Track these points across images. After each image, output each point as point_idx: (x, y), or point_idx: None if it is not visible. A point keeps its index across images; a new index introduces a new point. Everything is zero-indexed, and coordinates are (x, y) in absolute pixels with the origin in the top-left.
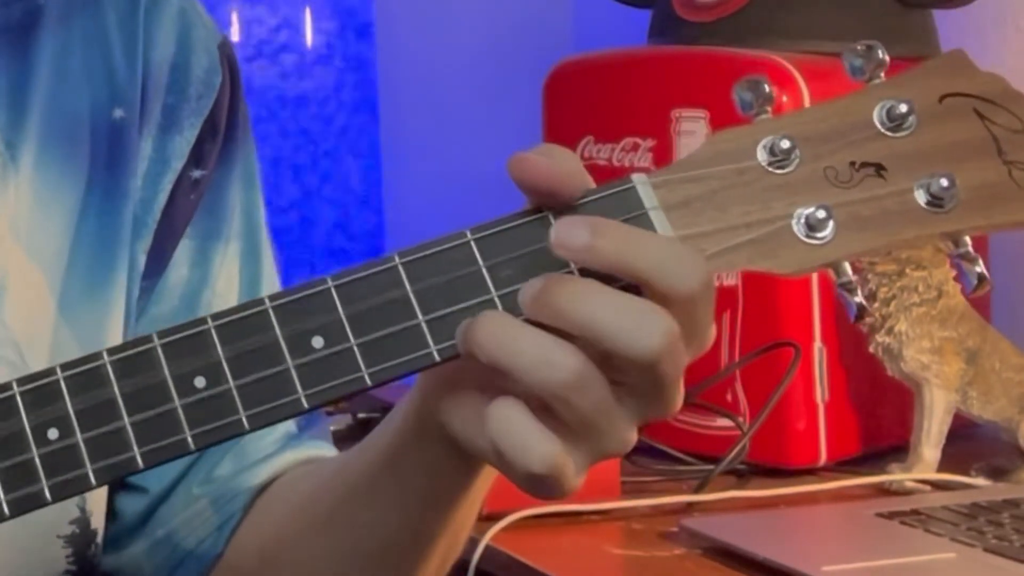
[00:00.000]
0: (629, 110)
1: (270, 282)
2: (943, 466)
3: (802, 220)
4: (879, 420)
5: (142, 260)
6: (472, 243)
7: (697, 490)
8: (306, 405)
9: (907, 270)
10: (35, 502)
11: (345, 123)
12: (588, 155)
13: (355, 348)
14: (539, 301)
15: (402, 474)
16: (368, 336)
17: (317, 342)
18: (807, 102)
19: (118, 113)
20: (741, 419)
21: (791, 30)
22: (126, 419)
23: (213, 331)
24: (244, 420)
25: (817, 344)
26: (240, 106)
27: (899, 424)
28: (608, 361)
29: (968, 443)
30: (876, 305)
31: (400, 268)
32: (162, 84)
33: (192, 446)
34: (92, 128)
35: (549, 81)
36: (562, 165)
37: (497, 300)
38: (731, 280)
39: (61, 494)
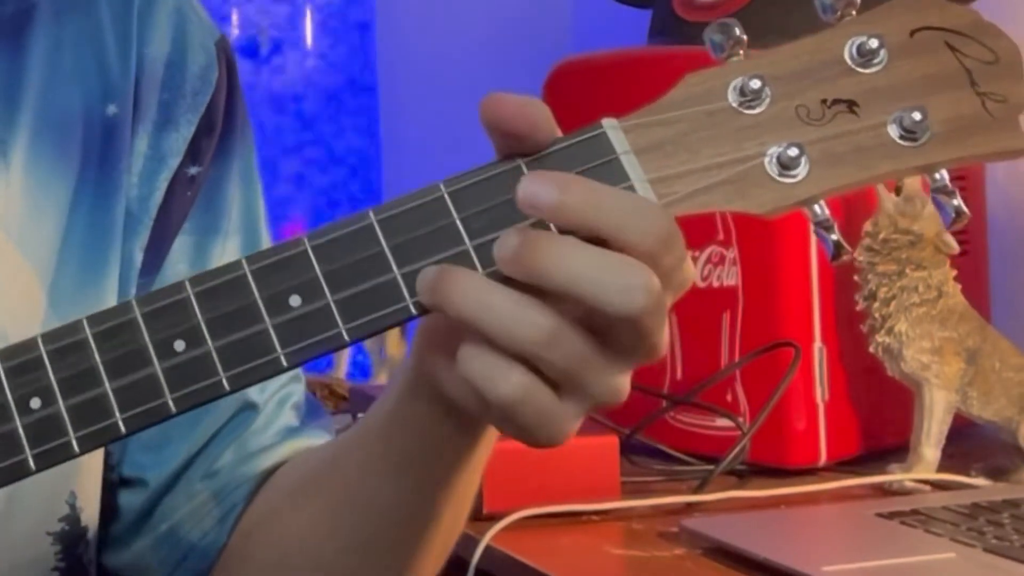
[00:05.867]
0: (629, 110)
1: None
2: (943, 466)
3: (774, 159)
4: (879, 420)
5: (139, 257)
6: (446, 195)
7: (697, 490)
8: (285, 364)
9: (907, 270)
10: (20, 472)
11: (344, 124)
12: None
13: (332, 305)
14: (518, 261)
15: (398, 439)
16: (345, 292)
17: (294, 301)
18: None
19: (111, 109)
20: (741, 419)
21: (791, 30)
22: (107, 385)
23: (192, 297)
24: (224, 381)
25: (817, 344)
26: (238, 102)
27: (899, 424)
28: (590, 316)
29: (968, 443)
30: (876, 305)
31: (375, 224)
32: (157, 81)
33: (173, 409)
34: (84, 124)
35: (549, 81)
36: (533, 108)
37: (472, 251)
38: (731, 280)
39: (46, 463)
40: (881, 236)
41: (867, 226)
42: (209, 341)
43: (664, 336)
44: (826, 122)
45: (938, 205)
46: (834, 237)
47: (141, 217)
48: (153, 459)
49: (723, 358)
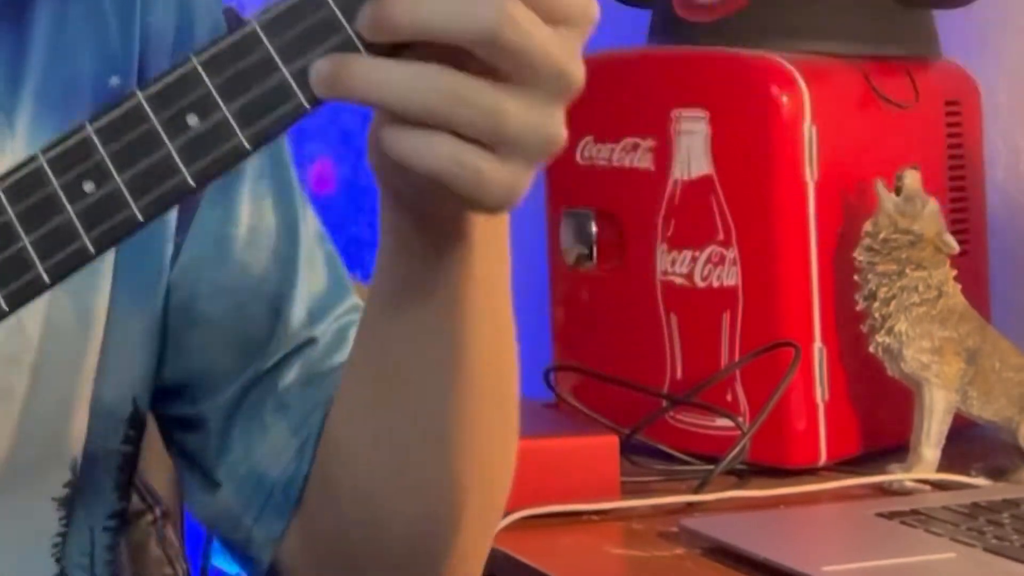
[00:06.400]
0: (629, 110)
1: (308, 218)
2: (943, 466)
3: None
4: (879, 420)
5: (171, 217)
6: None
7: (697, 490)
8: (192, 184)
9: (907, 270)
10: None
11: (344, 124)
12: (588, 155)
13: (228, 116)
14: (375, 25)
15: (390, 276)
16: (239, 101)
17: (192, 120)
18: (807, 102)
19: (114, 81)
20: (741, 419)
21: (791, 30)
22: (25, 239)
23: (93, 134)
24: (136, 212)
25: (817, 344)
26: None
27: (899, 424)
28: (471, 62)
29: (968, 443)
30: (876, 305)
31: (257, 29)
32: (166, 49)
33: (92, 250)
34: (89, 96)
35: None
36: None
37: (355, 37)
38: (731, 280)
39: None
40: (881, 236)
41: (867, 226)
42: (116, 175)
43: (563, 57)
44: None
45: None
46: None
47: None
48: (204, 396)
49: (723, 358)
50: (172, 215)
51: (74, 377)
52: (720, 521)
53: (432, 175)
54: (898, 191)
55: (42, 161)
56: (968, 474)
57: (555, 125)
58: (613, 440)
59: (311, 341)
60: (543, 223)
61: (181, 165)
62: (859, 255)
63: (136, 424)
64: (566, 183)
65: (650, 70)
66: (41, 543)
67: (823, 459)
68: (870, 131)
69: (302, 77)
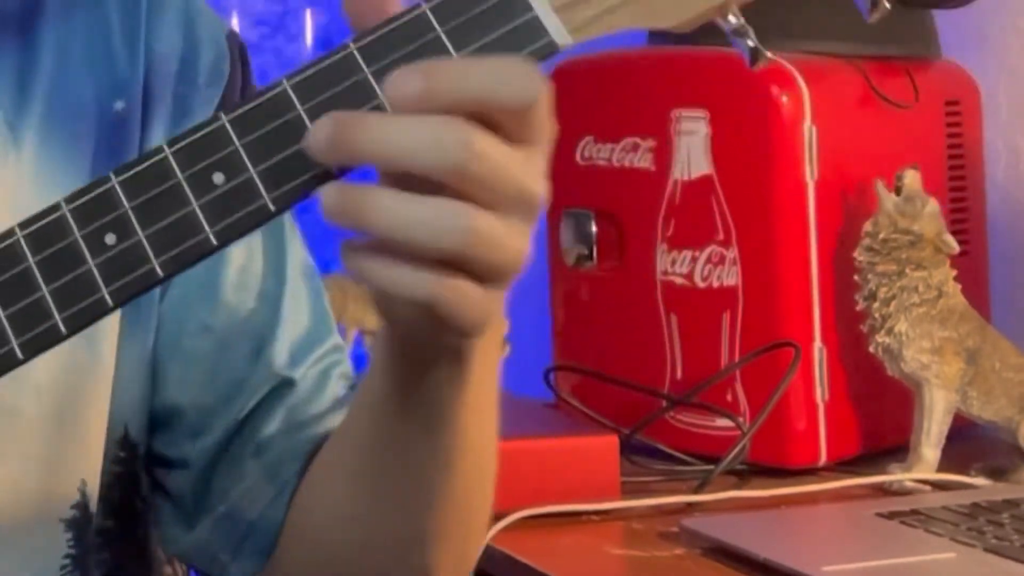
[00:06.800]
0: (629, 110)
1: (295, 251)
2: (943, 466)
3: None
4: (879, 420)
5: None
6: (355, 52)
7: (697, 490)
8: (215, 243)
9: (907, 270)
10: None
11: None
12: (588, 155)
13: (255, 177)
14: (338, 148)
15: (378, 381)
16: (266, 163)
17: (218, 178)
18: (807, 102)
19: (118, 105)
20: (741, 419)
21: (791, 30)
22: (44, 289)
23: (117, 186)
24: (157, 268)
25: (817, 344)
26: (252, 91)
27: (899, 424)
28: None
29: (968, 443)
30: (876, 305)
31: (288, 90)
32: (170, 75)
33: (110, 303)
34: (95, 118)
35: (548, 80)
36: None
37: (387, 104)
38: (731, 280)
39: None
40: (881, 236)
41: (867, 226)
42: (139, 230)
43: (527, 179)
44: None
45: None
46: (751, 43)
47: None
48: (194, 440)
49: (723, 358)
50: None
51: (82, 398)
52: (720, 521)
53: (405, 300)
54: (898, 191)
55: (65, 210)
56: (968, 474)
57: (524, 242)
58: (613, 440)
59: (291, 383)
60: (543, 223)
61: (205, 224)
62: (859, 255)
63: (126, 446)
64: (566, 183)
65: (650, 70)
66: (49, 566)
67: (823, 459)
68: (870, 131)
69: None
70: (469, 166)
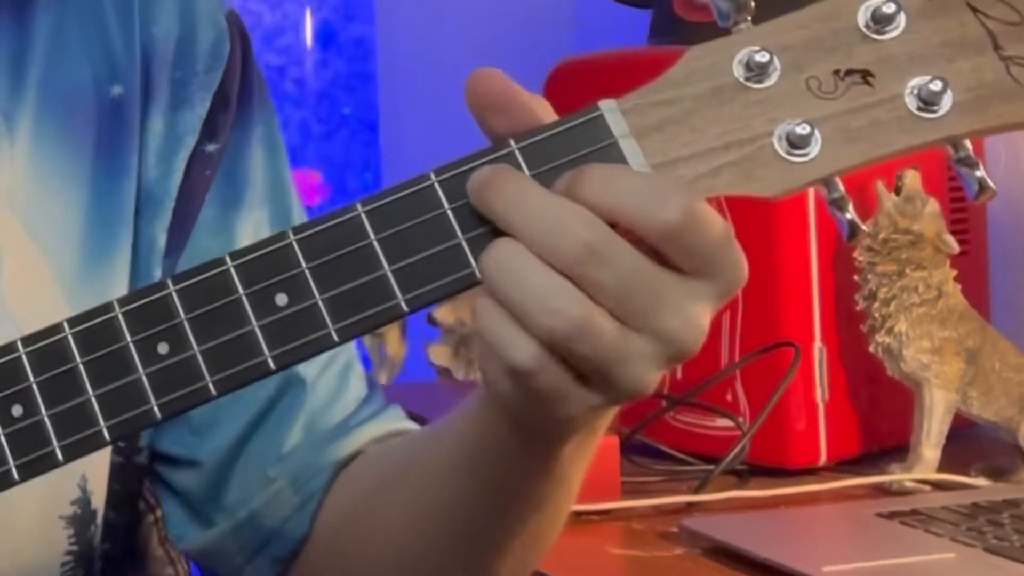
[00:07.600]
0: None
1: None
2: (943, 466)
3: (783, 137)
4: (879, 420)
5: (162, 239)
6: (436, 185)
7: (697, 490)
8: (273, 367)
9: (907, 270)
10: (3, 483)
11: (343, 125)
12: None
13: (320, 303)
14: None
15: (472, 452)
16: (333, 291)
17: (281, 300)
18: None
19: (116, 90)
20: (741, 419)
21: None
22: (90, 392)
23: (175, 295)
24: (211, 386)
25: (817, 344)
26: (253, 73)
27: (899, 424)
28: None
29: (968, 443)
30: (876, 305)
31: (363, 216)
32: (167, 60)
33: (159, 416)
34: (92, 104)
35: (549, 81)
36: (521, 87)
37: (465, 244)
38: None
39: (29, 473)
40: (881, 236)
41: (867, 226)
42: (194, 344)
43: (736, 253)
44: (839, 95)
45: (961, 177)
46: (849, 216)
47: (162, 199)
48: (201, 440)
49: (723, 358)
50: (162, 237)
51: None
52: (720, 521)
53: (506, 359)
54: (898, 191)
55: (118, 312)
56: (968, 474)
57: (643, 372)
58: (613, 440)
59: (309, 385)
60: None
61: (264, 346)
62: (859, 255)
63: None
64: None
65: (650, 70)
66: (51, 563)
67: (823, 459)
68: None
69: (403, 277)
70: (586, 263)
